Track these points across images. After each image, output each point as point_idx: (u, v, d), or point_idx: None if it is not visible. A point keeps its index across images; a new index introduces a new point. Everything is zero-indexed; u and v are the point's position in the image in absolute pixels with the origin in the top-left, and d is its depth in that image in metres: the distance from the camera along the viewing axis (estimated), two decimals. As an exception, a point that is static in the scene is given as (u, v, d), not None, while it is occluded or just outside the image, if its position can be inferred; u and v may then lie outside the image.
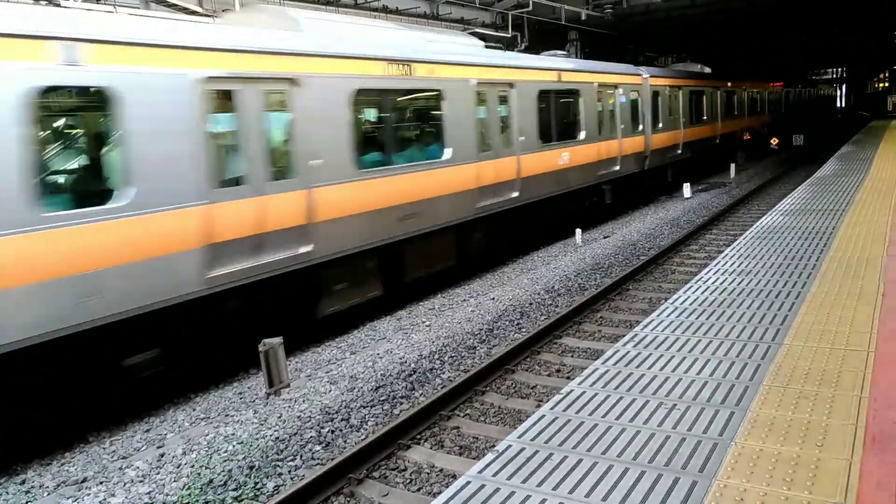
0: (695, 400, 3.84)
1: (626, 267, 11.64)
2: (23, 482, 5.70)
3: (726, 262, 6.97)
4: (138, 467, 5.62)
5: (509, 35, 20.31)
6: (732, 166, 24.76)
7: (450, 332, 8.57)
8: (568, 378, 7.06)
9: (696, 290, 6.06)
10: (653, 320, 5.29)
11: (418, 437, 5.93)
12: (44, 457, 6.11)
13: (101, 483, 5.41)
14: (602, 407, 3.85)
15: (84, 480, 5.60)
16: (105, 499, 5.14)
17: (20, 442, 6.15)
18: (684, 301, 5.74)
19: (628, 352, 4.66)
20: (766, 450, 3.24)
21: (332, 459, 5.43)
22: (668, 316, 5.38)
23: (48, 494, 5.46)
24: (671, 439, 3.42)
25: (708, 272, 6.63)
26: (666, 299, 9.48)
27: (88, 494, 5.23)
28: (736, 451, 3.26)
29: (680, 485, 2.99)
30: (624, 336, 5.21)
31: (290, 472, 5.42)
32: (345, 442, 5.91)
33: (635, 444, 3.40)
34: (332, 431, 6.08)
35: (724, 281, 6.27)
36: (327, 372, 7.55)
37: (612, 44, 25.74)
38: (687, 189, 20.10)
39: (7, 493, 5.54)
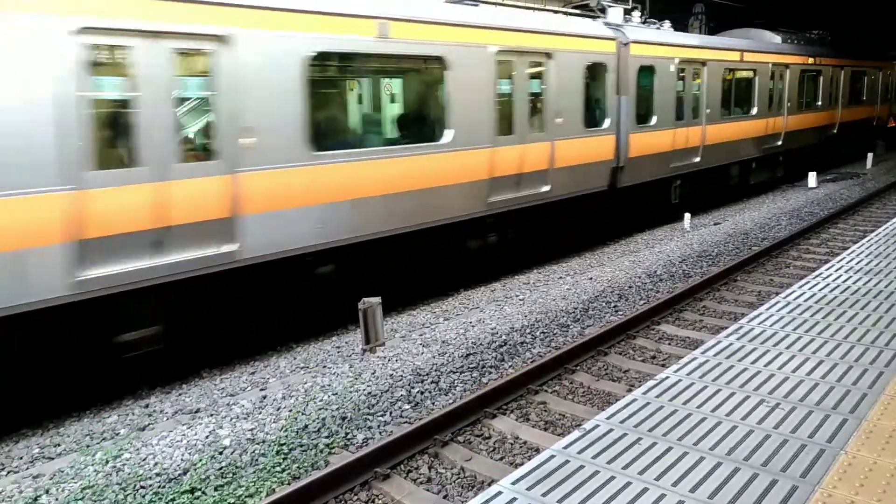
0: (802, 401, 3.64)
1: (736, 256, 11.07)
2: (146, 406, 6.31)
3: (851, 259, 6.48)
4: (243, 405, 6.04)
5: (629, 6, 19.47)
6: (870, 156, 22.74)
7: (543, 308, 8.53)
8: (663, 365, 6.87)
9: (814, 286, 5.69)
10: (761, 314, 5.03)
11: (504, 407, 6.00)
12: (164, 385, 6.71)
13: (212, 415, 5.88)
14: (697, 397, 3.74)
15: (197, 411, 6.11)
16: (214, 430, 5.58)
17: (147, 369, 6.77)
18: (798, 297, 5.42)
19: (731, 344, 4.47)
20: (882, 463, 3.04)
21: (420, 419, 5.61)
22: (778, 311, 5.10)
23: (167, 419, 6.01)
24: (771, 439, 3.27)
25: (829, 268, 6.20)
26: (777, 293, 8.96)
27: (200, 424, 5.70)
28: (846, 460, 3.08)
29: (778, 487, 2.88)
30: (727, 328, 5.00)
31: (379, 426, 5.65)
32: (433, 404, 6.07)
33: (730, 439, 3.29)
34: (422, 392, 6.26)
35: (847, 279, 5.85)
36: (421, 335, 7.75)
37: (741, 17, 24.07)
38: (812, 178, 18.69)
39: (133, 413, 6.15)
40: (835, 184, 19.36)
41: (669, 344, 7.51)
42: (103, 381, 6.45)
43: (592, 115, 11.12)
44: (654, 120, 12.51)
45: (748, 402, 3.66)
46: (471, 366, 6.83)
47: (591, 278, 9.92)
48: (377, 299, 7.24)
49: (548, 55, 9.92)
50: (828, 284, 5.72)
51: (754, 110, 16.04)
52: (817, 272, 6.11)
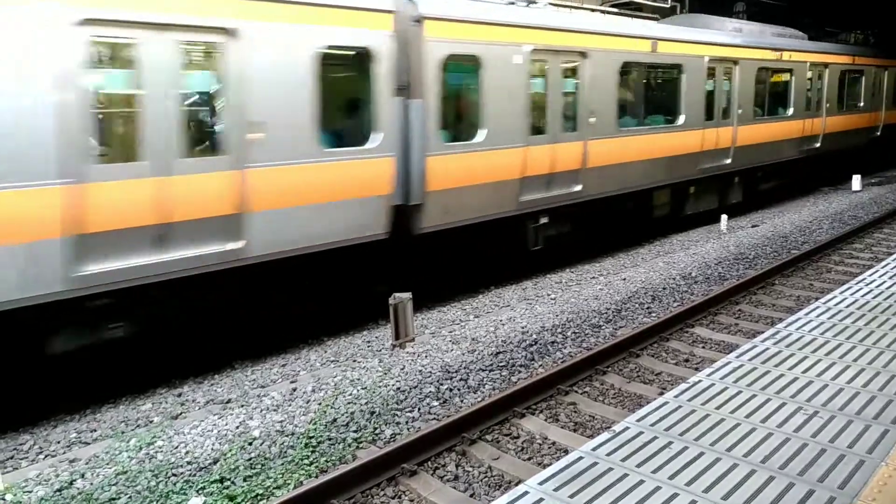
0: (841, 410, 3.53)
1: (774, 260, 10.80)
2: (179, 395, 6.43)
3: None
4: (273, 397, 6.11)
5: (668, 5, 19.13)
6: None
7: (575, 308, 8.45)
8: (696, 369, 6.74)
9: (856, 291, 5.52)
10: (799, 318, 4.90)
11: (534, 407, 5.95)
12: (197, 376, 6.83)
13: (242, 406, 5.96)
14: (731, 402, 3.65)
15: (229, 401, 6.20)
16: (244, 420, 5.66)
17: (177, 360, 6.90)
18: (839, 302, 5.26)
19: (767, 349, 4.36)
20: (921, 475, 2.94)
21: (449, 416, 5.60)
22: (817, 316, 4.96)
23: (199, 409, 6.12)
24: (808, 448, 3.18)
25: (872, 273, 6.01)
26: (817, 299, 8.71)
27: (231, 414, 5.78)
28: (886, 472, 2.97)
29: (815, 498, 2.79)
30: (764, 332, 4.88)
31: (407, 422, 5.66)
32: (461, 401, 6.06)
33: (765, 446, 3.21)
34: (451, 389, 6.25)
35: (891, 285, 5.66)
36: (450, 331, 7.74)
37: (783, 17, 23.46)
38: (856, 181, 18.13)
39: (167, 402, 6.28)
40: (881, 187, 18.76)
41: (703, 347, 7.37)
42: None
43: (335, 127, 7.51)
44: (481, 135, 8.65)
45: (784, 409, 3.56)
46: (500, 364, 6.79)
47: (624, 279, 9.79)
48: (408, 294, 7.25)
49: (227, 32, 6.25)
50: (871, 290, 5.54)
51: (681, 119, 12.16)
52: (860, 277, 5.92)
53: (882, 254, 11.32)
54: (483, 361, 6.82)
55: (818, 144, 16.84)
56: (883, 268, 6.21)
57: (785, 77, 15.38)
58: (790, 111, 15.49)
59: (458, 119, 8.90)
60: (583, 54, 9.89)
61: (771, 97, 15.11)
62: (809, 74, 16.00)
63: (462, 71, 8.55)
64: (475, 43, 8.41)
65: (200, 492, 4.69)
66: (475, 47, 8.42)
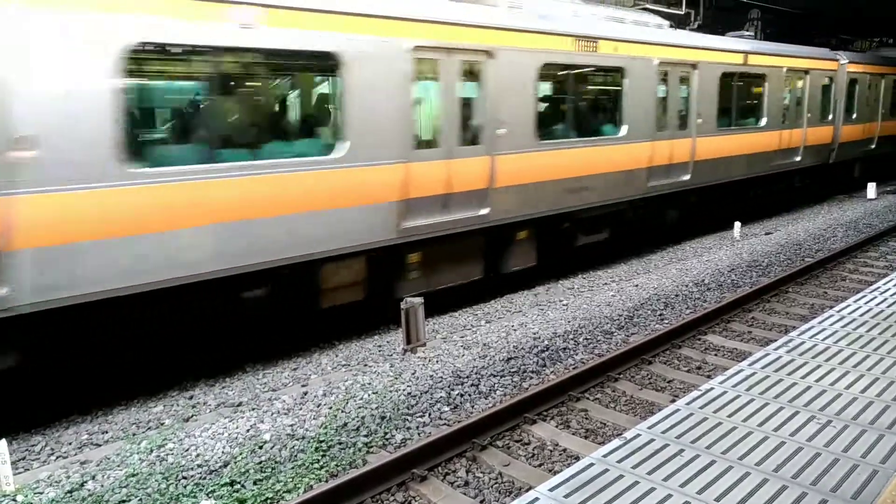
0: (854, 420, 3.50)
1: (788, 267, 10.72)
2: (190, 398, 6.47)
3: (911, 274, 6.21)
4: (284, 401, 6.13)
5: (682, 12, 19.07)
6: None
7: (587, 314, 8.42)
8: (708, 377, 6.69)
9: (870, 300, 5.47)
10: (812, 327, 4.86)
11: (545, 413, 5.93)
12: (209, 378, 6.87)
13: (253, 409, 5.98)
14: (743, 410, 3.63)
15: (240, 405, 6.23)
16: (255, 424, 5.68)
17: (189, 362, 6.94)
18: (854, 311, 5.21)
19: (780, 357, 4.33)
20: (936, 486, 2.90)
21: (459, 422, 5.59)
22: (831, 325, 4.91)
23: (210, 412, 6.15)
24: (821, 457, 3.15)
25: (887, 282, 5.95)
26: (831, 307, 8.63)
27: (242, 417, 5.80)
28: (898, 481, 2.94)
29: (826, 506, 2.77)
30: (777, 340, 4.84)
31: (417, 427, 5.66)
32: (472, 407, 6.05)
33: (778, 455, 3.18)
34: (461, 395, 6.24)
35: (905, 294, 5.60)
36: (462, 337, 7.74)
37: (799, 25, 23.34)
38: (872, 189, 17.96)
39: (178, 404, 6.31)
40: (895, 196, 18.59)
41: (716, 355, 7.32)
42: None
43: None
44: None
45: (797, 417, 3.53)
46: (512, 370, 6.78)
47: (636, 285, 9.75)
48: (419, 299, 7.26)
49: None
50: (885, 299, 5.49)
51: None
52: (875, 286, 5.86)
53: (898, 262, 11.20)
54: (494, 367, 6.81)
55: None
56: (898, 276, 6.15)
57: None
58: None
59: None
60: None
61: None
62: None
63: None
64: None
65: (210, 495, 4.71)
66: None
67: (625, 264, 11.37)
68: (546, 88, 9.83)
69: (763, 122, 14.18)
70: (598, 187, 10.14)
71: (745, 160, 13.57)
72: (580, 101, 10.52)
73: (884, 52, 22.64)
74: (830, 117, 16.78)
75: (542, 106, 9.57)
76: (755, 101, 14.23)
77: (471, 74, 8.34)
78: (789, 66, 14.72)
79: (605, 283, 10.10)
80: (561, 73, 9.91)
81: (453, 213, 8.21)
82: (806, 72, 15.35)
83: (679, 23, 18.24)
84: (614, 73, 10.46)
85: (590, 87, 10.87)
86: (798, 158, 15.54)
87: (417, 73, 7.63)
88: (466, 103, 8.33)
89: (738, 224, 13.37)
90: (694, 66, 11.82)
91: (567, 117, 10.18)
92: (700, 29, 17.58)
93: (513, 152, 8.79)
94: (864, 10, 23.37)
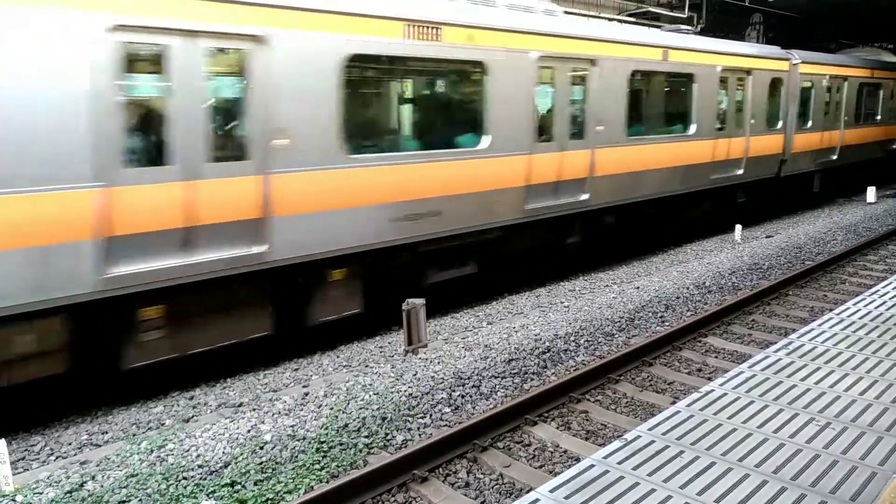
0: (853, 422, 3.51)
1: (788, 270, 10.73)
2: (191, 398, 6.48)
3: (911, 277, 6.22)
4: (285, 402, 6.15)
5: (684, 15, 19.11)
6: None
7: (588, 316, 8.43)
8: (709, 379, 6.70)
9: (869, 303, 5.48)
10: (812, 329, 4.87)
11: (546, 415, 5.94)
12: (209, 379, 6.88)
13: (254, 410, 6.00)
14: (743, 412, 3.64)
15: (240, 405, 6.24)
16: (256, 424, 5.69)
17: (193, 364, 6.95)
18: (853, 314, 5.22)
19: (780, 359, 4.34)
20: (935, 488, 2.92)
21: (460, 423, 5.61)
22: (830, 327, 4.93)
23: (210, 412, 6.16)
24: (820, 459, 3.17)
25: (886, 286, 5.97)
26: (831, 310, 8.65)
27: (243, 418, 5.82)
28: (897, 483, 2.96)
29: (825, 508, 2.78)
30: (777, 343, 4.85)
31: (418, 428, 5.67)
32: (473, 408, 6.06)
33: (777, 457, 3.19)
34: (462, 396, 6.25)
35: (905, 297, 5.62)
36: (463, 338, 7.75)
37: (800, 29, 23.38)
38: (871, 193, 17.98)
39: (178, 405, 6.32)
40: (895, 199, 18.61)
41: (716, 357, 7.34)
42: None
43: None
44: None
45: (797, 419, 3.55)
46: (513, 371, 6.79)
47: (637, 287, 9.77)
48: (421, 300, 7.28)
49: None
50: (884, 302, 5.50)
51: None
52: (873, 289, 5.88)
53: (898, 265, 11.22)
54: (495, 368, 6.83)
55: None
56: (898, 279, 6.17)
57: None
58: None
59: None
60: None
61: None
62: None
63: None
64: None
65: (211, 495, 4.72)
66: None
67: (626, 266, 11.39)
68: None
69: (692, 129, 11.97)
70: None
71: (670, 174, 11.53)
72: (428, 106, 9.28)
73: (852, 52, 20.58)
74: (780, 124, 14.60)
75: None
76: (681, 106, 12.10)
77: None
78: (725, 66, 12.56)
79: (607, 285, 10.12)
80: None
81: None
82: (748, 72, 13.27)
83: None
84: (475, 71, 8.54)
85: (447, 89, 9.28)
86: (740, 171, 13.42)
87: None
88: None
89: (738, 227, 13.40)
90: (592, 61, 9.76)
91: (423, 127, 9.04)
92: (702, 32, 17.55)
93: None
94: (862, 13, 23.41)
